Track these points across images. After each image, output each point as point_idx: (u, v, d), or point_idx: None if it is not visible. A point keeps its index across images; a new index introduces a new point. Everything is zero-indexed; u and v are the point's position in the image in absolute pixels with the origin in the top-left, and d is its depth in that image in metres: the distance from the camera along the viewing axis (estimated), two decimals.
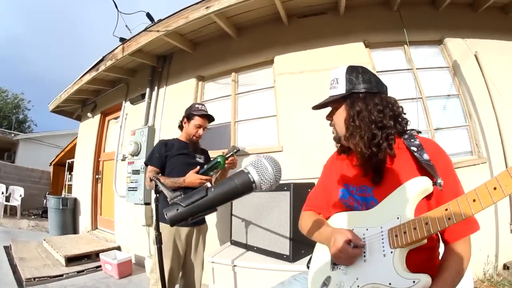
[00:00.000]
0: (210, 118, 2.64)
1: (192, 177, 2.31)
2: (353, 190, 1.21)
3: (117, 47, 4.34)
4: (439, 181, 0.99)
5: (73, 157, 7.06)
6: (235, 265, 2.46)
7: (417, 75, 3.39)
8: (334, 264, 1.13)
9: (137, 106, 4.83)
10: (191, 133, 2.56)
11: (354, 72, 1.19)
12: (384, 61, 3.46)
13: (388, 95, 1.23)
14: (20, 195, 8.51)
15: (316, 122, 3.14)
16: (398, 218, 1.00)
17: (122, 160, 4.85)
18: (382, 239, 1.01)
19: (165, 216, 0.66)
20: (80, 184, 6.28)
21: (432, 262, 1.08)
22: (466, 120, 3.32)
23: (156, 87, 4.55)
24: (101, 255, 3.98)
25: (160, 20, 3.78)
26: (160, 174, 2.46)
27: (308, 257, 2.36)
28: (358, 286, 1.01)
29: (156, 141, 4.17)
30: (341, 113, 1.20)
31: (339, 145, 1.30)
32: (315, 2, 3.45)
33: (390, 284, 0.93)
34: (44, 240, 4.76)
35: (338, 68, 1.23)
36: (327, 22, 3.56)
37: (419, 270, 0.94)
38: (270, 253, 2.47)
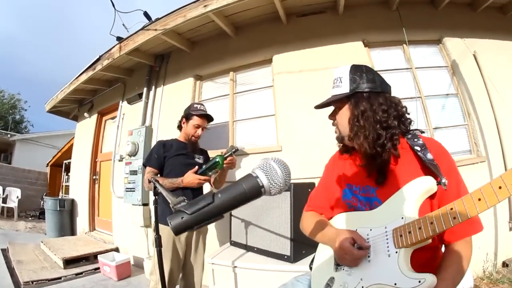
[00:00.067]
0: (209, 118, 2.61)
1: (190, 177, 2.29)
2: (356, 190, 1.20)
3: (114, 46, 4.29)
4: (443, 180, 0.98)
5: (70, 158, 7.01)
6: (235, 266, 2.44)
7: (416, 74, 3.39)
8: (338, 265, 1.12)
9: (134, 106, 4.79)
10: (189, 133, 2.53)
11: (358, 71, 1.17)
12: (383, 61, 3.45)
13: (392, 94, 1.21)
14: (17, 197, 8.47)
15: (316, 121, 3.14)
16: (402, 218, 0.99)
17: (119, 160, 4.81)
18: (387, 239, 1.00)
19: (169, 224, 0.62)
20: (77, 185, 6.23)
21: (435, 261, 1.07)
22: (465, 119, 3.32)
23: (153, 87, 4.51)
24: (99, 257, 3.94)
25: (157, 19, 3.74)
26: (158, 175, 2.44)
27: (309, 257, 2.37)
28: (362, 287, 1.00)
29: (153, 141, 4.16)
30: (345, 113, 1.18)
31: (342, 144, 1.29)
32: (314, 1, 3.43)
33: (395, 284, 0.92)
34: (42, 242, 4.72)
35: (341, 67, 1.22)
36: (326, 21, 3.55)
37: (422, 270, 0.93)
38: (270, 253, 2.45)
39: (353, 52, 3.38)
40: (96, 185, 5.74)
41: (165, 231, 2.22)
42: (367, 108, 1.11)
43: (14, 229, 6.80)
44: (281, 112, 3.45)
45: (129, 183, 4.15)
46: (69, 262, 3.95)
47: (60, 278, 3.56)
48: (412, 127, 1.20)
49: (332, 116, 1.26)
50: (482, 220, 1.02)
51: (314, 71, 3.40)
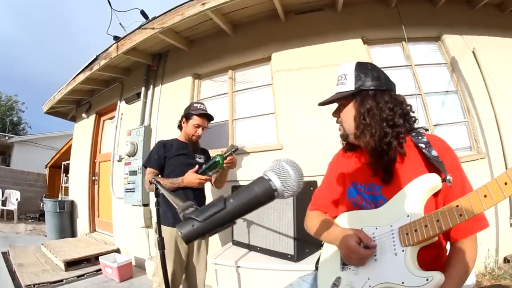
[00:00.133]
0: (209, 118, 2.58)
1: (191, 177, 2.27)
2: (361, 189, 1.20)
3: (111, 46, 4.25)
4: (448, 177, 0.98)
5: (69, 159, 6.98)
6: (238, 266, 2.43)
7: (415, 71, 3.39)
8: (344, 264, 1.11)
9: (132, 105, 4.75)
10: (190, 133, 2.50)
11: (363, 68, 1.16)
12: (382, 58, 3.44)
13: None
14: (17, 199, 8.42)
15: (316, 118, 3.13)
16: (408, 216, 0.98)
17: (118, 161, 4.79)
18: (393, 237, 1.00)
19: (180, 233, 0.59)
20: (76, 186, 6.21)
21: (441, 259, 1.07)
22: (465, 116, 3.33)
23: (151, 86, 4.48)
24: (100, 258, 3.92)
25: (155, 18, 3.70)
26: (159, 176, 2.42)
27: (313, 256, 2.36)
28: (369, 286, 1.00)
29: (152, 141, 4.15)
30: (350, 110, 1.17)
31: (345, 142, 1.28)
32: None
33: (403, 283, 0.92)
34: (42, 244, 4.69)
35: (346, 64, 1.20)
36: (325, 18, 3.53)
37: (428, 268, 0.93)
38: (273, 253, 2.44)
39: (352, 49, 3.37)
40: (96, 186, 5.71)
41: (167, 232, 2.21)
42: (373, 106, 1.10)
43: (14, 231, 6.77)
44: (281, 110, 3.43)
45: (128, 183, 4.13)
46: (70, 264, 3.93)
47: (61, 280, 3.54)
48: (415, 125, 1.19)
49: (336, 113, 1.25)
50: None
51: (313, 69, 3.38)
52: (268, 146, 3.39)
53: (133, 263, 4.04)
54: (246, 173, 3.39)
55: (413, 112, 1.18)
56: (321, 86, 3.18)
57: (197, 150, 2.59)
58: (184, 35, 4.02)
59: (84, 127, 6.21)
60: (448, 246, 1.10)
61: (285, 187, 0.63)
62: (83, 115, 6.11)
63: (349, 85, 1.15)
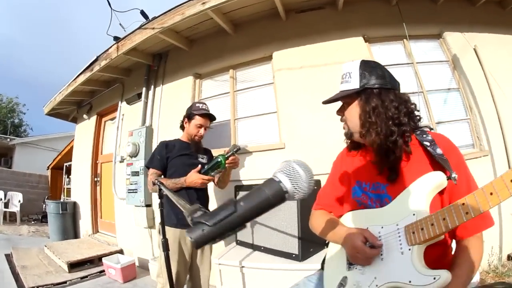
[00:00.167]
0: (211, 117, 2.56)
1: (193, 177, 2.25)
2: (366, 188, 1.19)
3: (111, 46, 4.25)
4: (453, 175, 0.97)
5: (71, 160, 6.98)
6: (243, 266, 2.42)
7: (417, 69, 3.38)
8: (350, 264, 1.11)
9: (133, 106, 4.75)
10: (192, 133, 2.49)
11: (368, 66, 1.15)
12: (384, 56, 3.42)
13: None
14: (19, 201, 8.44)
15: (319, 117, 3.13)
16: (414, 214, 0.98)
17: (120, 161, 4.79)
18: (399, 236, 0.99)
19: (189, 239, 0.58)
20: (78, 188, 6.20)
21: (446, 257, 1.07)
22: (467, 113, 3.32)
23: (152, 86, 4.48)
24: (104, 259, 3.92)
25: (155, 18, 3.70)
26: (162, 176, 2.41)
27: (317, 255, 2.35)
28: (376, 286, 0.99)
29: (154, 142, 4.14)
30: (354, 109, 1.16)
31: (350, 141, 1.27)
32: None
33: (410, 282, 0.91)
34: (46, 246, 4.70)
35: (351, 62, 1.19)
36: (326, 17, 3.51)
37: (434, 266, 0.93)
38: (278, 252, 2.43)
39: (353, 47, 3.36)
40: (98, 187, 5.71)
41: (171, 233, 2.20)
42: (378, 105, 1.09)
43: (17, 233, 6.78)
44: (283, 109, 3.42)
45: (131, 184, 4.12)
46: (73, 266, 3.93)
47: (65, 282, 3.55)
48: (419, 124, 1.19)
49: (340, 112, 1.24)
50: None
51: (315, 67, 3.37)
52: (271, 145, 3.37)
53: (137, 264, 4.04)
54: (249, 172, 3.38)
55: (418, 110, 1.17)
56: (323, 84, 3.17)
57: (199, 150, 2.57)
58: (185, 35, 4.00)
59: (85, 128, 6.21)
60: (453, 245, 1.09)
61: (296, 188, 0.62)
62: (84, 116, 6.11)
63: (354, 83, 1.14)
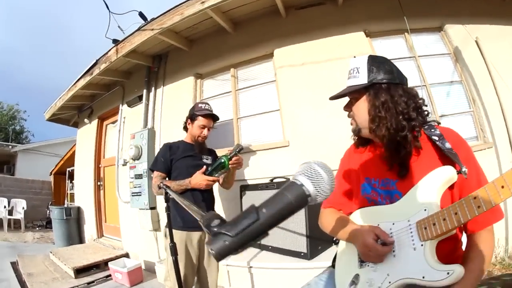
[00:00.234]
0: (214, 117, 2.52)
1: (198, 178, 2.22)
2: (375, 184, 1.18)
3: (110, 49, 4.22)
4: (463, 169, 0.97)
5: (73, 165, 6.98)
6: (251, 266, 2.40)
7: (419, 62, 3.36)
8: (362, 261, 1.10)
9: (134, 108, 4.73)
10: (195, 134, 2.45)
11: (376, 61, 1.14)
12: (385, 50, 3.41)
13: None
14: (23, 208, 8.46)
15: (322, 113, 3.12)
16: (425, 210, 0.98)
17: (123, 165, 4.77)
18: (411, 232, 0.99)
19: (211, 251, 0.53)
20: (82, 192, 6.20)
21: (456, 252, 1.07)
22: (470, 105, 3.30)
23: (153, 88, 4.45)
24: (110, 264, 3.90)
25: (153, 19, 3.66)
26: (166, 179, 2.37)
27: (325, 253, 2.32)
28: (389, 282, 0.99)
29: (157, 144, 4.13)
30: (362, 104, 1.15)
31: (357, 137, 1.26)
32: None
33: (423, 277, 0.91)
34: (51, 252, 4.68)
35: (358, 57, 1.18)
36: (326, 12, 3.49)
37: (445, 261, 0.93)
38: (286, 251, 2.41)
39: (355, 42, 3.33)
40: (101, 191, 5.70)
41: (177, 236, 2.17)
42: (388, 100, 1.08)
43: (22, 240, 6.77)
44: (286, 107, 3.39)
45: (134, 187, 4.10)
46: (80, 271, 3.90)
47: None
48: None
49: (348, 107, 1.23)
50: None
51: (317, 64, 3.35)
52: (275, 143, 3.35)
53: (143, 267, 4.02)
54: (253, 172, 3.36)
55: (426, 105, 1.16)
56: (326, 80, 3.16)
57: (203, 151, 2.53)
58: (184, 35, 3.98)
59: (87, 132, 6.19)
60: (463, 238, 1.09)
61: (318, 191, 0.58)
62: (85, 120, 6.09)
63: (362, 79, 1.13)
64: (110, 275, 3.92)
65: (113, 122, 5.53)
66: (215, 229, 0.55)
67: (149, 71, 4.49)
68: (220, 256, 0.53)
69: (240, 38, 3.79)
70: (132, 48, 3.92)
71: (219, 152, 2.67)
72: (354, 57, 1.19)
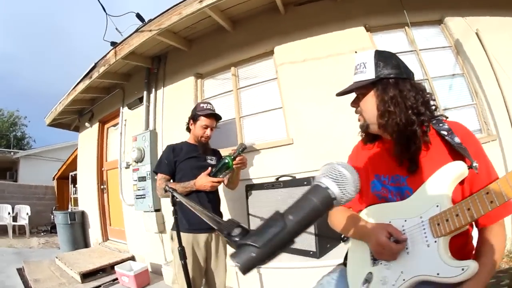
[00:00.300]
0: (217, 117, 2.49)
1: (203, 180, 2.20)
2: (385, 181, 1.18)
3: (109, 52, 4.20)
4: (474, 164, 0.96)
5: (76, 169, 6.98)
6: (259, 267, 2.36)
7: (421, 56, 3.33)
8: (375, 259, 1.09)
9: (135, 110, 4.71)
10: (198, 135, 2.42)
11: (383, 56, 1.13)
12: (386, 44, 3.38)
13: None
14: (27, 214, 8.46)
15: (325, 110, 3.08)
16: (437, 206, 0.97)
17: (126, 167, 4.76)
18: (424, 229, 0.98)
19: (237, 265, 0.50)
20: (85, 196, 6.19)
21: (467, 246, 1.07)
22: (473, 98, 3.26)
23: (153, 89, 4.43)
24: (116, 267, 3.89)
25: (151, 20, 3.63)
26: (171, 181, 2.35)
27: (334, 250, 2.30)
28: (403, 280, 0.98)
29: (159, 145, 4.11)
30: (370, 99, 1.13)
31: (364, 134, 1.24)
32: None
33: (438, 274, 0.91)
34: (57, 257, 4.68)
35: (364, 52, 1.17)
36: (325, 8, 3.45)
37: (457, 256, 0.93)
38: (295, 250, 2.39)
39: (355, 37, 3.30)
40: (105, 195, 5.69)
41: (184, 239, 2.13)
42: (397, 94, 1.07)
43: (27, 246, 6.78)
44: (288, 104, 3.37)
45: (138, 190, 4.09)
46: (86, 276, 3.90)
47: None
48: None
49: (355, 103, 1.21)
50: None
51: (318, 60, 3.32)
52: (279, 141, 3.32)
53: (149, 270, 4.00)
54: (258, 170, 3.33)
55: (433, 100, 1.14)
56: (327, 76, 3.13)
57: (207, 151, 2.51)
58: (183, 35, 3.95)
59: (88, 136, 6.18)
60: (473, 233, 1.09)
61: (343, 193, 0.56)
62: (86, 124, 6.09)
63: (369, 74, 1.11)
64: (116, 279, 3.91)
65: (114, 125, 5.52)
66: (239, 240, 0.52)
67: (148, 73, 4.46)
68: (247, 269, 0.50)
69: (240, 37, 3.76)
70: (131, 50, 3.89)
71: (223, 152, 2.64)
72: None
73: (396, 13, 3.26)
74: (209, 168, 2.24)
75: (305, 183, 2.29)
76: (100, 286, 3.76)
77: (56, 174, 10.81)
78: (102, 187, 5.70)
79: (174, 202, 1.36)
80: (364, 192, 1.26)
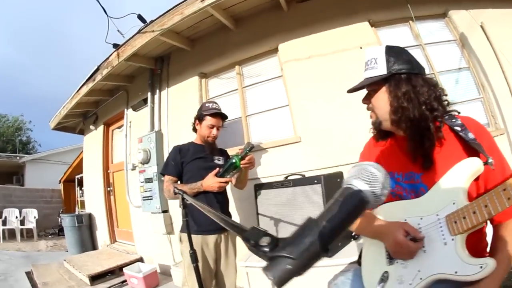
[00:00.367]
0: (223, 116, 2.46)
1: (210, 181, 2.17)
2: (399, 178, 1.16)
3: (111, 54, 4.18)
4: (490, 160, 0.95)
5: (82, 172, 7.00)
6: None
7: (426, 51, 3.27)
8: (391, 258, 1.08)
9: (140, 112, 4.71)
10: (205, 135, 2.40)
11: (394, 51, 1.12)
12: (391, 39, 3.32)
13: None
14: (34, 217, 8.56)
15: (333, 106, 3.04)
16: (454, 203, 0.96)
17: (132, 169, 4.74)
18: (441, 227, 0.97)
19: (271, 279, 0.47)
20: (92, 199, 6.21)
21: (481, 243, 1.06)
22: (480, 92, 3.20)
23: (157, 90, 4.42)
24: (125, 269, 3.90)
25: (153, 20, 3.61)
26: (178, 182, 2.33)
27: (345, 248, 2.27)
28: (421, 279, 0.97)
29: (165, 146, 4.09)
30: (382, 95, 1.12)
31: (376, 131, 1.22)
32: None
33: (456, 272, 0.90)
34: (65, 260, 4.70)
35: (374, 47, 1.16)
36: (328, 4, 3.40)
37: (472, 252, 0.92)
38: None
39: (360, 33, 3.24)
40: (112, 197, 5.70)
41: (193, 241, 2.12)
42: (410, 90, 1.06)
43: (35, 249, 6.82)
44: (294, 102, 3.33)
45: (145, 191, 4.08)
46: (95, 278, 3.91)
47: None
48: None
49: (367, 100, 1.20)
50: None
51: (323, 56, 3.27)
52: (286, 139, 3.29)
53: (158, 271, 4.00)
54: (266, 169, 3.31)
55: (446, 95, 1.13)
56: (333, 73, 3.10)
57: (214, 151, 2.48)
58: (186, 35, 3.92)
59: (93, 139, 6.19)
60: (487, 229, 1.08)
61: (376, 196, 0.52)
62: (91, 127, 6.10)
63: (381, 69, 1.10)
64: (125, 281, 3.91)
65: (119, 127, 5.52)
66: (270, 251, 0.49)
67: (152, 74, 4.45)
68: (283, 283, 0.47)
69: (243, 35, 3.72)
70: (134, 52, 3.87)
71: (230, 152, 2.62)
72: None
73: (400, 7, 3.22)
74: (217, 169, 2.22)
75: (315, 181, 2.24)
76: None
77: (62, 177, 10.89)
78: (108, 189, 5.71)
79: (185, 205, 1.33)
80: None
